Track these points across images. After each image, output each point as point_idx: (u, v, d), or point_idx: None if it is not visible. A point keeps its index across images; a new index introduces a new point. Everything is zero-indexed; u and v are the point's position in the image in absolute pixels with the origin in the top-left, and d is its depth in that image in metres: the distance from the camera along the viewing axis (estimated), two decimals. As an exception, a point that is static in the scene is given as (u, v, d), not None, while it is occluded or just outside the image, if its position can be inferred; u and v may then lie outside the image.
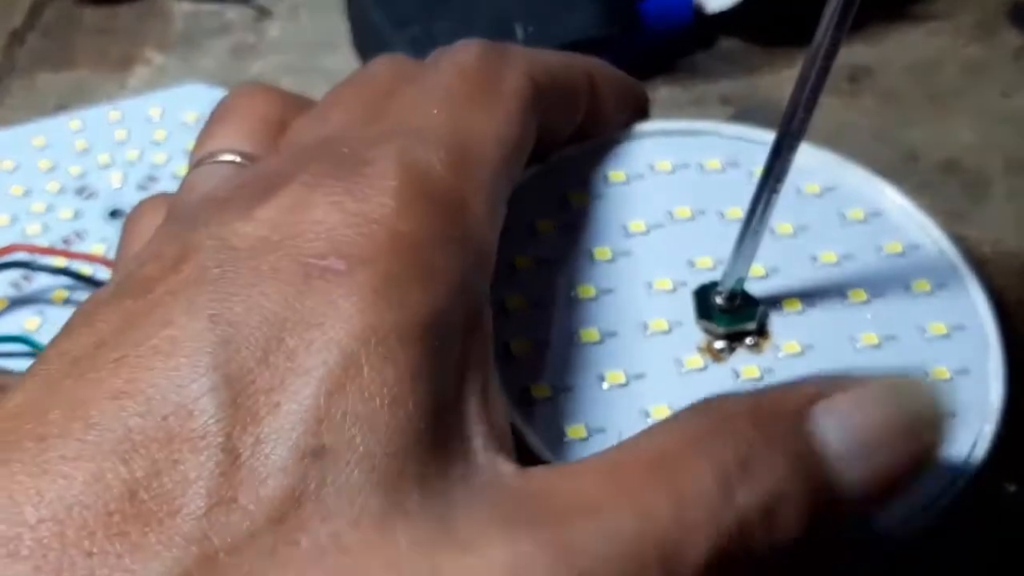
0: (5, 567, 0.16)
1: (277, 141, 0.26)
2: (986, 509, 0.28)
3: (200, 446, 0.17)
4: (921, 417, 0.22)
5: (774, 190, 0.24)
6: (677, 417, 0.21)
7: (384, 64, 0.27)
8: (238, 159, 0.25)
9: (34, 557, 0.16)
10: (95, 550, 0.16)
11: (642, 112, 0.32)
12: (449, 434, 0.19)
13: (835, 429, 0.21)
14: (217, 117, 0.27)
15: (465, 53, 0.26)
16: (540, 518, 0.18)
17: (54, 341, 0.19)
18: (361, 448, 0.17)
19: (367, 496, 0.17)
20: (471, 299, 0.21)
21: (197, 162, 0.26)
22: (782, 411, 0.21)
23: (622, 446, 0.21)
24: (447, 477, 0.18)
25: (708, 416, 0.21)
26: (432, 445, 0.18)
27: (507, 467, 0.20)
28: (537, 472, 0.20)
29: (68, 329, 0.20)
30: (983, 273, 0.29)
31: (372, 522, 0.17)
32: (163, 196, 0.27)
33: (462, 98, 0.24)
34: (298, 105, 0.27)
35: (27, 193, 0.37)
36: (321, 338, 0.18)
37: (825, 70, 0.22)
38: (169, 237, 0.21)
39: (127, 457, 0.17)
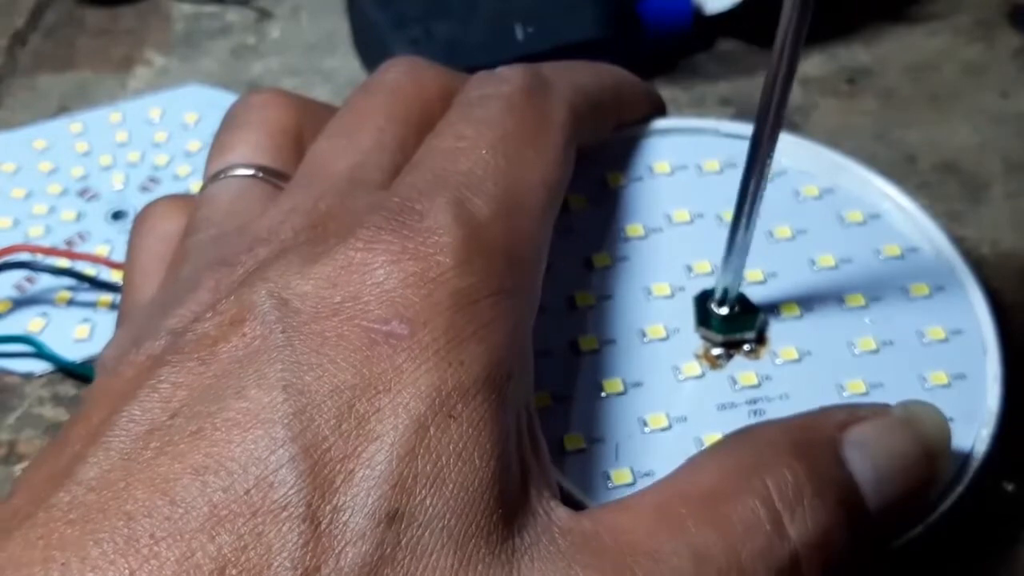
0: None
1: (293, 151, 0.26)
2: (985, 508, 0.28)
3: (282, 517, 0.17)
4: (933, 444, 0.22)
5: (757, 192, 0.24)
6: (719, 449, 0.22)
7: (405, 72, 0.27)
8: (260, 173, 0.25)
9: None
10: None
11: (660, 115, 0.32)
12: (510, 485, 0.19)
13: (862, 459, 0.21)
14: (233, 125, 0.27)
15: (510, 85, 0.25)
16: (600, 563, 0.19)
17: (113, 400, 0.19)
18: (432, 509, 0.18)
19: (439, 556, 0.18)
20: (521, 345, 0.22)
21: (215, 174, 0.26)
22: (820, 439, 0.21)
23: (669, 482, 0.21)
24: (511, 528, 0.19)
25: (751, 446, 0.21)
26: (497, 498, 0.19)
27: (561, 511, 0.20)
28: (589, 514, 0.20)
29: (127, 387, 0.20)
30: (981, 274, 0.29)
31: None
32: (174, 200, 0.27)
33: (511, 138, 0.24)
34: (314, 112, 0.27)
35: (29, 195, 0.37)
36: (389, 404, 0.19)
37: (791, 69, 0.22)
38: (218, 284, 0.21)
39: (214, 534, 0.17)
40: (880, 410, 0.23)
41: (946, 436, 0.23)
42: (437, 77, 0.27)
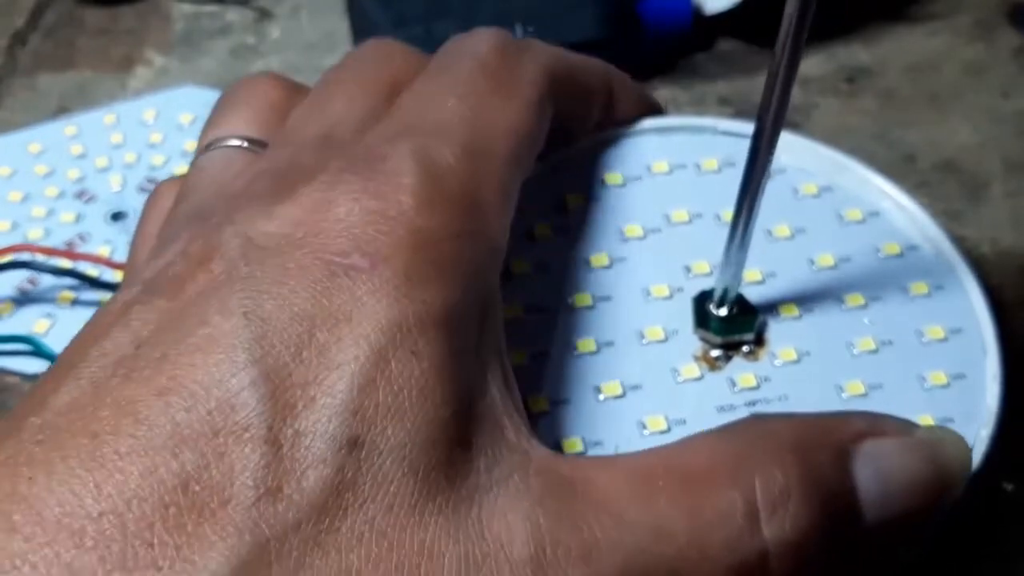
0: (73, 558, 0.16)
1: (281, 125, 0.26)
2: (984, 508, 0.29)
3: (244, 438, 0.18)
4: (951, 474, 0.22)
5: (756, 195, 0.24)
6: (721, 432, 0.22)
7: (378, 49, 0.28)
8: (245, 144, 0.26)
9: (99, 548, 0.17)
10: (155, 541, 0.17)
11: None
12: (477, 421, 0.20)
13: (873, 474, 0.21)
14: (225, 103, 0.28)
15: (482, 43, 0.26)
16: (565, 510, 0.19)
17: (87, 342, 0.20)
18: (393, 439, 0.18)
19: (400, 484, 0.18)
20: (485, 289, 0.22)
21: (205, 146, 0.26)
22: (829, 444, 0.21)
23: (659, 453, 0.21)
24: (476, 463, 0.19)
25: (753, 437, 0.21)
26: (460, 433, 0.19)
27: (540, 450, 0.20)
28: (570, 461, 0.21)
29: (102, 330, 0.20)
30: (981, 273, 0.29)
31: (406, 509, 0.18)
32: (179, 180, 0.28)
33: (478, 90, 0.24)
34: (302, 93, 0.28)
35: (26, 198, 0.37)
36: (350, 334, 0.19)
37: (792, 68, 0.22)
38: (192, 234, 0.22)
39: (177, 451, 0.18)
40: (904, 428, 0.23)
41: (966, 468, 0.23)
42: (406, 53, 0.27)
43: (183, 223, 0.23)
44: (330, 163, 0.22)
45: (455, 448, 0.19)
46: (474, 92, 0.24)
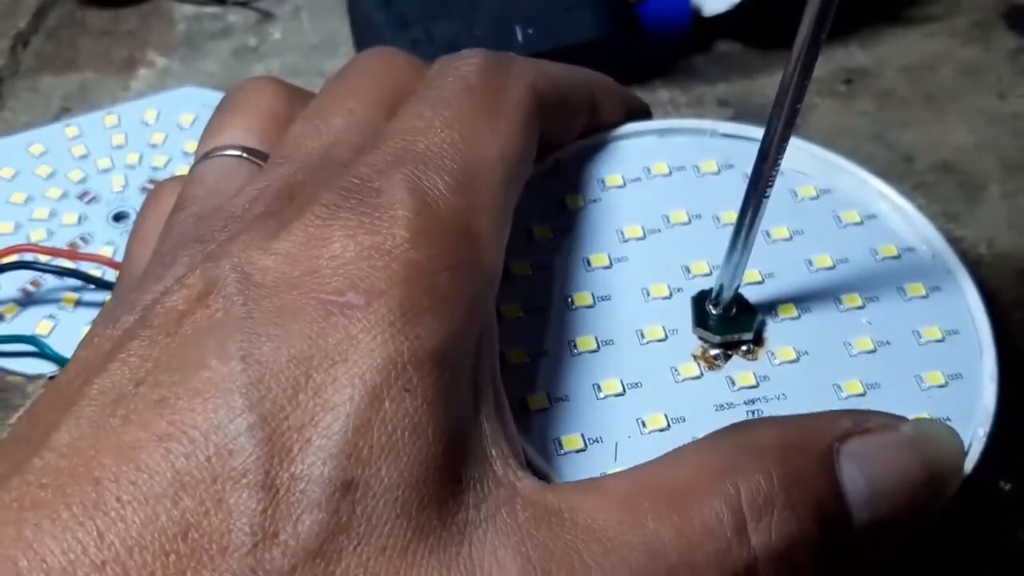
0: None
1: (281, 135, 0.26)
2: (981, 507, 0.29)
3: (242, 484, 0.18)
4: (942, 468, 0.22)
5: (763, 196, 0.25)
6: (706, 443, 0.22)
7: (379, 59, 0.27)
8: (244, 154, 0.26)
9: None
10: None
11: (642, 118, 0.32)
12: (468, 456, 0.20)
13: (856, 473, 0.21)
14: (225, 109, 0.28)
15: (469, 65, 0.26)
16: (554, 542, 0.19)
17: (86, 374, 0.20)
18: (387, 480, 0.18)
19: (393, 526, 0.18)
20: (480, 318, 0.22)
21: (204, 154, 0.26)
22: (813, 447, 0.22)
23: (646, 470, 0.21)
24: (467, 500, 0.19)
25: (736, 445, 0.21)
26: (451, 469, 0.19)
27: (527, 481, 0.20)
28: (556, 489, 0.21)
29: (99, 361, 0.20)
30: (978, 274, 0.29)
31: (399, 551, 0.18)
32: (180, 180, 0.28)
33: (467, 115, 0.24)
34: (303, 99, 0.28)
35: (29, 200, 0.37)
36: (345, 374, 0.19)
37: (807, 72, 0.22)
38: (191, 261, 0.22)
39: (177, 499, 0.18)
40: (888, 424, 0.23)
41: (958, 460, 0.23)
42: (408, 64, 0.27)
43: (181, 242, 0.23)
44: (324, 194, 0.22)
45: (446, 485, 0.19)
46: (462, 117, 0.24)
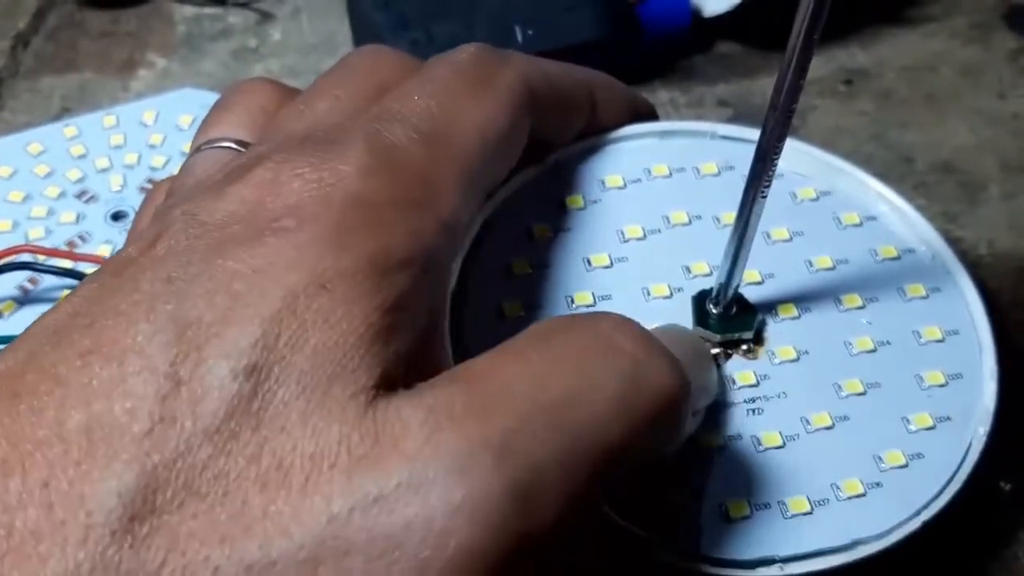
0: None
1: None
2: (982, 507, 0.29)
3: (144, 378, 0.18)
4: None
5: (760, 195, 0.25)
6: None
7: (370, 55, 0.28)
8: (234, 145, 0.26)
9: (3, 485, 0.18)
10: (51, 482, 0.18)
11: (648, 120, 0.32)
12: (384, 361, 0.20)
13: None
14: (218, 107, 0.28)
15: (463, 53, 0.26)
16: (458, 393, 0.20)
17: (43, 316, 0.21)
18: (290, 366, 0.19)
19: (296, 407, 0.19)
20: (424, 254, 0.22)
21: (196, 148, 0.27)
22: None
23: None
24: (375, 391, 0.19)
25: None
26: (362, 364, 0.19)
27: (429, 391, 0.20)
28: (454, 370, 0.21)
29: (56, 305, 0.21)
30: (977, 274, 0.29)
31: (300, 430, 0.18)
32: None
33: (451, 88, 0.25)
34: (295, 98, 0.28)
35: (27, 198, 0.37)
36: (265, 280, 0.20)
37: (801, 72, 0.22)
38: (152, 220, 0.22)
39: (89, 402, 0.18)
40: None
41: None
42: (398, 60, 0.27)
43: (157, 217, 0.23)
44: (286, 148, 0.22)
45: (355, 373, 0.19)
46: (444, 90, 0.25)
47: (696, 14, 0.42)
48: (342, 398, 0.19)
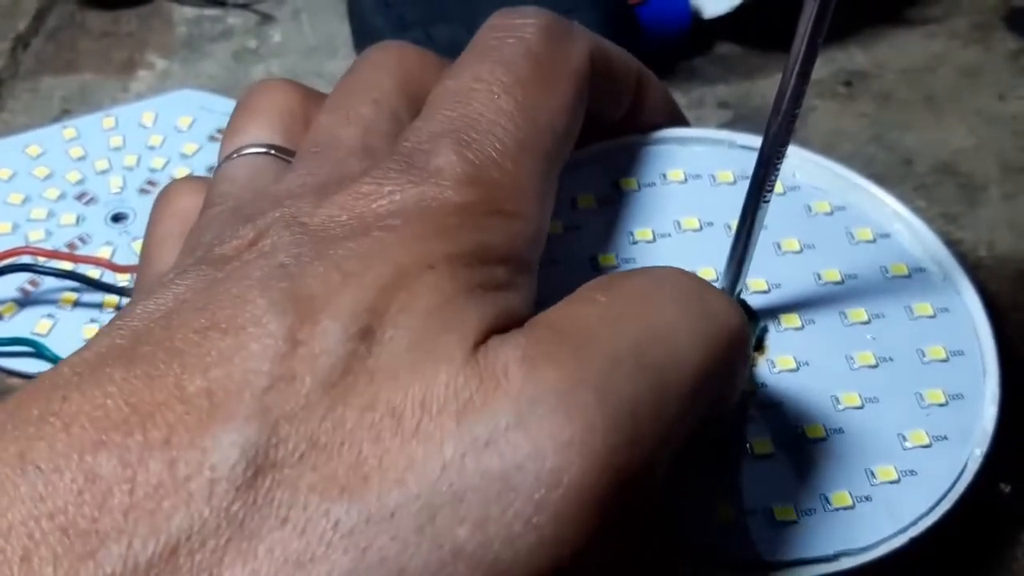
0: (99, 450, 0.18)
1: (302, 132, 0.27)
2: (982, 509, 0.29)
3: (265, 343, 0.19)
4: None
5: (763, 200, 0.25)
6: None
7: (388, 52, 0.28)
8: (271, 151, 0.27)
9: (119, 443, 0.18)
10: (173, 439, 0.18)
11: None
12: (481, 315, 0.20)
13: None
14: (242, 111, 0.28)
15: (531, 28, 0.26)
16: (552, 342, 0.20)
17: (129, 308, 0.21)
18: (403, 326, 0.19)
19: (407, 359, 0.19)
20: (522, 255, 0.23)
21: (228, 155, 0.27)
22: None
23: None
24: (478, 339, 0.20)
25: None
26: (468, 321, 0.20)
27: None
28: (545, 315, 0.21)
29: (145, 297, 0.21)
30: (988, 297, 0.29)
31: (410, 377, 0.19)
32: (192, 179, 0.29)
33: (525, 82, 0.25)
34: (317, 98, 0.28)
35: (27, 200, 0.37)
36: (374, 261, 0.20)
37: (804, 76, 0.22)
38: (240, 224, 0.23)
39: (208, 368, 0.19)
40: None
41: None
42: (419, 56, 0.28)
43: (224, 223, 0.23)
44: (378, 164, 0.23)
45: (462, 323, 0.20)
46: (519, 83, 0.25)
47: (696, 15, 0.42)
48: (449, 346, 0.19)
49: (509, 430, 0.18)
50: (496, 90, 0.24)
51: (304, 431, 0.18)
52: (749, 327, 0.23)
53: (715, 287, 0.23)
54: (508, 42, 0.26)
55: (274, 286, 0.20)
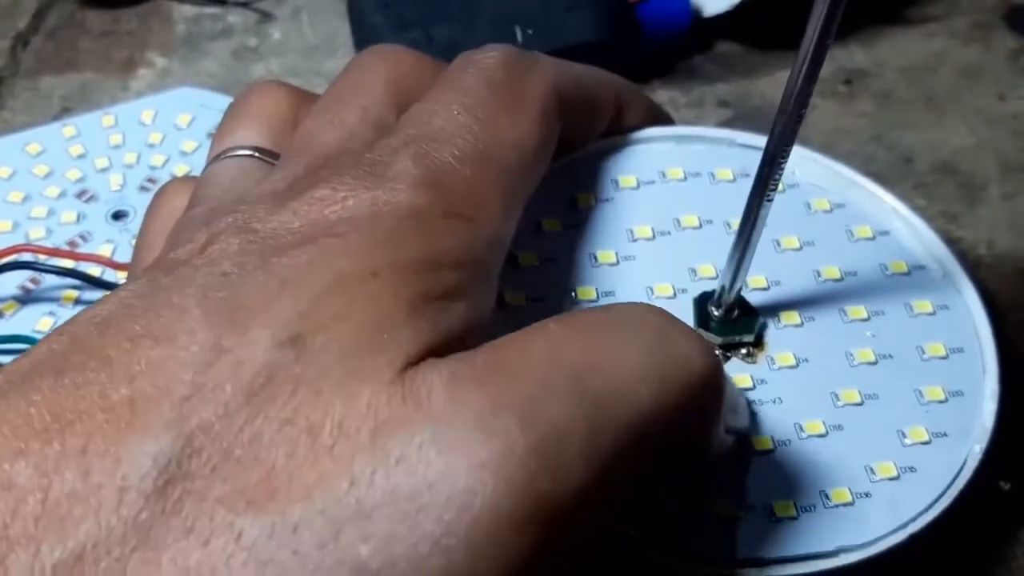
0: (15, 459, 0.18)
1: (290, 136, 0.27)
2: (981, 506, 0.29)
3: (192, 351, 0.19)
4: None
5: (766, 199, 0.25)
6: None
7: (382, 56, 0.28)
8: (256, 153, 0.27)
9: (39, 454, 0.18)
10: (90, 447, 0.18)
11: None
12: (418, 336, 0.20)
13: None
14: (234, 112, 0.28)
15: (491, 59, 0.26)
16: (479, 366, 0.20)
17: (80, 313, 0.21)
18: (335, 337, 0.19)
19: (334, 373, 0.19)
20: (475, 266, 0.22)
21: (216, 156, 0.27)
22: None
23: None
24: (405, 363, 0.19)
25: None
26: (402, 341, 0.20)
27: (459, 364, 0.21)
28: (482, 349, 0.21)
29: (99, 302, 0.21)
30: (988, 295, 0.29)
31: (333, 395, 0.19)
32: (186, 180, 0.29)
33: (485, 104, 0.25)
34: (310, 101, 0.28)
35: (27, 199, 0.37)
36: (316, 268, 0.20)
37: (812, 77, 0.22)
38: (198, 228, 0.23)
39: (134, 378, 0.19)
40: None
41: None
42: (413, 60, 0.28)
43: (196, 226, 0.23)
44: (337, 171, 0.23)
45: (396, 343, 0.20)
46: (479, 104, 0.25)
47: (696, 14, 0.42)
48: (378, 365, 0.19)
49: (423, 448, 0.18)
50: (456, 108, 0.25)
51: (219, 443, 0.18)
52: (721, 370, 0.23)
53: (687, 327, 0.22)
54: (469, 71, 0.26)
55: (212, 296, 0.20)
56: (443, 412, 0.19)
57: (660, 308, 0.22)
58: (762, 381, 0.27)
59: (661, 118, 0.32)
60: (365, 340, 0.19)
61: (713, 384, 0.22)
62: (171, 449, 0.18)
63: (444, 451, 0.18)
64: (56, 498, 0.17)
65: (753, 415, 0.26)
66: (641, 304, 0.23)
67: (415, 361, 0.19)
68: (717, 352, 0.27)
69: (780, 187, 0.27)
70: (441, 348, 0.20)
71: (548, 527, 0.19)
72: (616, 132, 0.31)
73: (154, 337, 0.19)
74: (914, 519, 0.25)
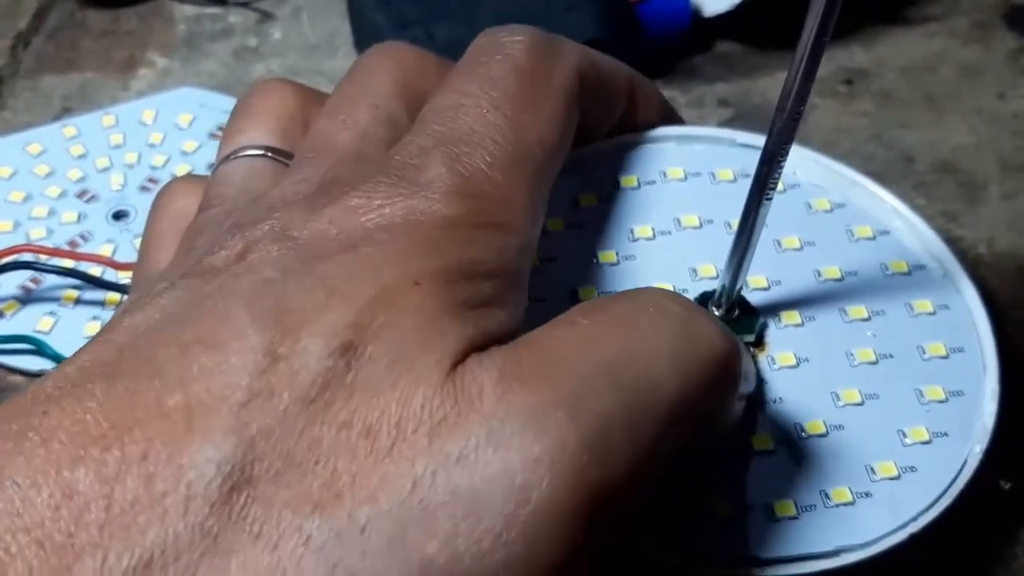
0: (74, 469, 0.18)
1: (300, 135, 0.27)
2: (982, 506, 0.29)
3: (245, 357, 0.19)
4: None
5: (765, 198, 0.25)
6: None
7: (389, 55, 0.28)
8: (268, 153, 0.27)
9: (98, 459, 0.18)
10: (150, 454, 0.18)
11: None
12: (463, 335, 0.20)
13: None
14: (242, 112, 0.28)
15: (518, 44, 0.26)
16: (525, 362, 0.20)
17: (118, 319, 0.21)
18: (384, 344, 0.20)
19: (387, 378, 0.19)
20: (506, 266, 0.23)
21: (226, 156, 0.27)
22: None
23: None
24: (457, 360, 0.20)
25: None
26: (448, 340, 0.20)
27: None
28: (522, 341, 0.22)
29: (132, 309, 0.21)
30: (988, 296, 0.29)
31: (388, 397, 0.19)
32: (191, 179, 0.29)
33: (512, 97, 0.25)
34: (318, 100, 0.28)
35: (28, 198, 0.37)
36: (360, 278, 0.20)
37: (810, 75, 0.22)
38: (230, 234, 0.23)
39: (188, 384, 0.19)
40: None
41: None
42: (418, 58, 0.28)
43: (217, 229, 0.23)
44: (369, 176, 0.23)
45: (442, 343, 0.20)
46: (507, 99, 0.25)
47: (696, 14, 0.42)
48: (428, 365, 0.19)
49: (480, 447, 0.19)
50: (485, 104, 0.24)
51: (280, 448, 0.18)
52: (742, 351, 0.23)
53: (704, 311, 0.23)
54: (496, 59, 0.26)
55: (259, 302, 0.20)
56: (495, 411, 0.19)
57: (678, 294, 0.23)
58: (763, 381, 0.27)
59: (672, 115, 0.32)
60: (413, 346, 0.20)
61: (735, 364, 0.23)
62: (233, 455, 0.18)
63: (500, 449, 0.19)
64: (120, 506, 0.18)
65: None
66: (659, 291, 0.23)
67: (461, 359, 0.20)
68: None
69: (780, 187, 0.28)
70: (482, 347, 0.21)
71: (598, 514, 0.19)
72: (630, 129, 0.31)
73: (204, 344, 0.19)
74: (914, 519, 0.25)
